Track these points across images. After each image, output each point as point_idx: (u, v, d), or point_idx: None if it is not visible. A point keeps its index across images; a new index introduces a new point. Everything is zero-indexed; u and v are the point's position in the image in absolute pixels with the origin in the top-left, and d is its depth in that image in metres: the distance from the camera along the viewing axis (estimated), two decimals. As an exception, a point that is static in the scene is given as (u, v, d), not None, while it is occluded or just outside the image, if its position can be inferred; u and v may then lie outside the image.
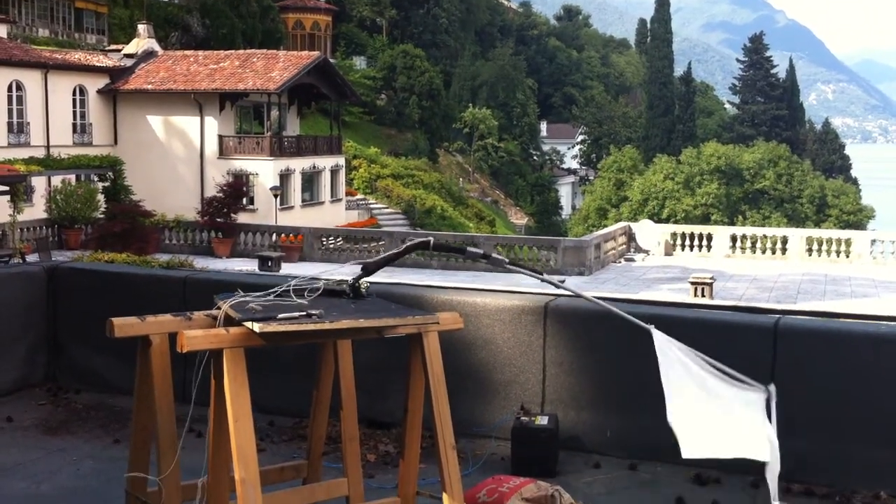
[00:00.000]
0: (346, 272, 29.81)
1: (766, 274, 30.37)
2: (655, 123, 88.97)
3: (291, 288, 4.28)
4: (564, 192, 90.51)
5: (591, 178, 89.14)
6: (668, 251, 34.83)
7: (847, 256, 33.86)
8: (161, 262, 22.63)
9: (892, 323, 6.22)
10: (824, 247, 34.34)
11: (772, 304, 20.35)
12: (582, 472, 5.70)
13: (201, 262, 27.11)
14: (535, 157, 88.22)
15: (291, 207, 44.28)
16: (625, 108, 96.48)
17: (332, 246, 32.43)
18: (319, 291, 4.36)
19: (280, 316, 3.79)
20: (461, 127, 77.39)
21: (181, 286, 7.12)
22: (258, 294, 4.28)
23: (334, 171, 48.66)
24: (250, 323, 3.76)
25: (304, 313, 3.85)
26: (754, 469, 4.47)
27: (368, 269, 4.40)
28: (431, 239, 4.47)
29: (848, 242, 34.48)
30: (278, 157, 43.43)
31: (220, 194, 33.63)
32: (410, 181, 59.77)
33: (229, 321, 4.00)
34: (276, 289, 4.32)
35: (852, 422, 5.31)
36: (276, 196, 40.57)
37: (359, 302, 4.28)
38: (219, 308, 4.15)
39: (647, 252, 34.43)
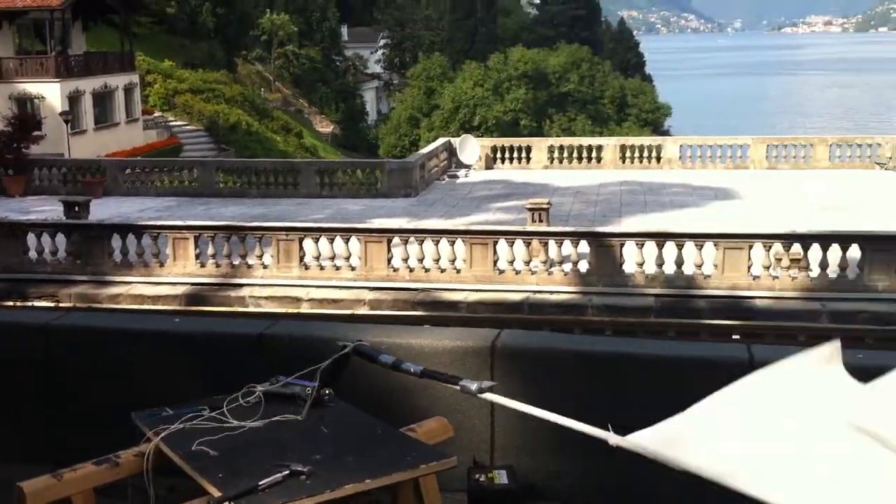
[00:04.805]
0: (158, 207, 27.69)
1: (587, 185, 30.65)
2: (458, 26, 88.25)
3: (225, 405, 3.32)
4: (369, 97, 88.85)
5: (396, 82, 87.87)
6: (489, 165, 34.62)
7: (658, 162, 34.82)
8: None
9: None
10: (636, 154, 35.14)
11: (612, 228, 20.47)
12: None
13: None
14: (337, 63, 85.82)
15: (84, 131, 41.15)
16: (427, 10, 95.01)
17: (140, 179, 29.95)
18: (256, 399, 3.40)
19: (262, 484, 2.71)
20: (259, 34, 73.95)
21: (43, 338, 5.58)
22: (188, 413, 3.29)
23: (128, 90, 45.45)
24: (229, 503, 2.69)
25: (286, 471, 2.79)
26: None
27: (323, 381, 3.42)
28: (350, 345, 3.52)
29: (659, 148, 35.47)
30: (66, 79, 40.09)
31: (8, 128, 30.27)
32: (211, 95, 56.49)
33: (161, 457, 3.04)
34: (210, 400, 3.34)
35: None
36: (66, 121, 37.27)
37: (325, 417, 3.32)
38: (147, 439, 3.14)
39: (469, 167, 34.04)
